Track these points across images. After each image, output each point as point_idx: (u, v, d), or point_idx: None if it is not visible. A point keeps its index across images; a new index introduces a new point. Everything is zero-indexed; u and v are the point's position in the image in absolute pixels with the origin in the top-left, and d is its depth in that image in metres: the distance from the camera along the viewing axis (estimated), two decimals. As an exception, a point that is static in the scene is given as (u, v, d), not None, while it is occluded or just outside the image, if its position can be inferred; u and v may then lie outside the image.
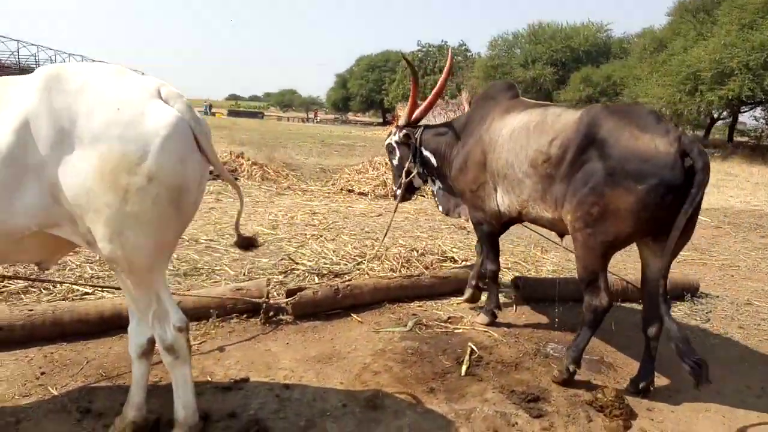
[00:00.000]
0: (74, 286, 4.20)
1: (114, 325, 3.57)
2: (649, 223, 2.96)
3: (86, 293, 4.14)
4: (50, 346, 3.34)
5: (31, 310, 3.38)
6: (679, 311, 4.66)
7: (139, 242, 2.19)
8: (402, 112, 4.77)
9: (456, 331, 4.02)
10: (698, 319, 4.55)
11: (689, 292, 4.88)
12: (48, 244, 2.28)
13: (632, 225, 2.95)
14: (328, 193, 9.74)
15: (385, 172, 10.21)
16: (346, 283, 4.22)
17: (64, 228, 2.20)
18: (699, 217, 3.16)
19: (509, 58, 41.66)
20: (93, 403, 2.81)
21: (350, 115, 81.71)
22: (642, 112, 3.08)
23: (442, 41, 63.37)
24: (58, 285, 4.17)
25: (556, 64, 39.26)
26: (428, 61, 60.27)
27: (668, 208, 2.85)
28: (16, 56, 36.08)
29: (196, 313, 3.78)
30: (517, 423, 2.92)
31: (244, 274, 4.86)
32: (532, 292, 4.58)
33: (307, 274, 4.90)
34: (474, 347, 3.68)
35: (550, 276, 5.37)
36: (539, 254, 6.33)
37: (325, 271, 4.96)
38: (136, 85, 2.23)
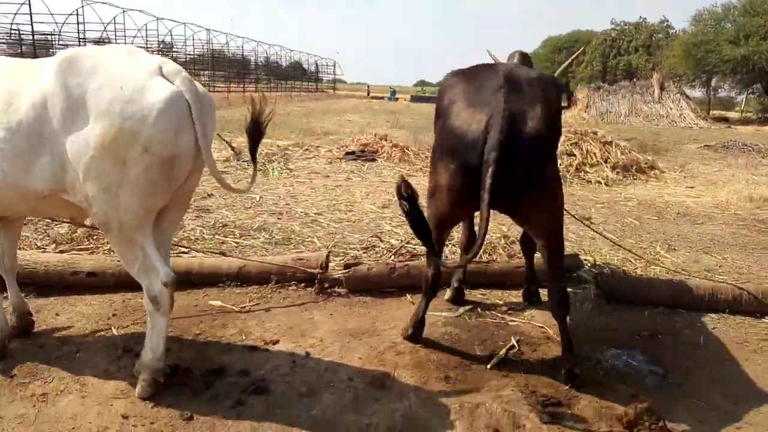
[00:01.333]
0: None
1: (185, 280, 4.00)
2: None
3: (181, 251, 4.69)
4: (131, 293, 3.86)
5: (119, 262, 3.94)
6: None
7: (130, 204, 2.44)
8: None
9: (510, 323, 3.78)
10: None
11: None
12: (69, 206, 2.64)
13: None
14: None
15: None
16: (405, 262, 4.19)
17: (70, 194, 2.54)
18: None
19: (716, 34, 36.43)
20: (137, 345, 3.21)
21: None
22: None
23: (640, 18, 57.95)
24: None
25: (776, 38, 33.41)
26: (622, 40, 55.58)
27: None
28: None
29: (258, 278, 4.07)
30: (524, 426, 2.69)
31: (327, 247, 5.07)
32: (614, 291, 4.08)
33: (385, 252, 4.96)
34: (515, 342, 3.44)
35: (646, 276, 4.72)
36: (662, 252, 5.59)
37: (403, 251, 4.96)
38: (139, 64, 2.48)
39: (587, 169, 9.57)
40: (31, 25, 23.25)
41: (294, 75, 54.38)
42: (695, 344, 3.57)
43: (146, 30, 31.97)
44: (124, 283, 3.89)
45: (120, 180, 2.39)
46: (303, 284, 4.12)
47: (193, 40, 37.59)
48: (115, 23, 28.60)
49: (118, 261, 3.92)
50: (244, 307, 3.81)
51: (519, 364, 3.24)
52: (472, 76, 3.06)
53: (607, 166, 9.63)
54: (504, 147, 2.61)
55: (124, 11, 28.67)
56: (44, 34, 26.28)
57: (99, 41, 29.37)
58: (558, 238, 3.03)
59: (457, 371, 3.13)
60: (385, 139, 11.74)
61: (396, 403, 2.81)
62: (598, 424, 2.70)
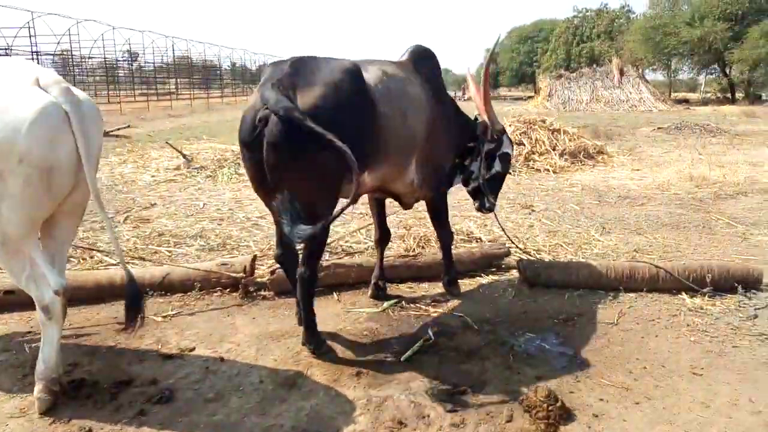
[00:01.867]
0: (106, 258, 4.73)
1: (108, 293, 3.96)
2: None
3: (112, 264, 4.64)
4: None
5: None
6: (722, 306, 3.91)
7: (12, 217, 2.41)
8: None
9: (433, 314, 3.82)
10: (740, 315, 3.78)
11: (745, 283, 4.06)
12: None
13: None
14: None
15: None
16: (331, 261, 4.21)
17: None
18: None
19: (673, 17, 37.16)
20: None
21: (502, 91, 79.35)
22: None
23: (602, 4, 58.83)
24: (94, 256, 4.75)
25: (731, 19, 34.22)
26: (585, 27, 56.30)
27: None
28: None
29: (182, 286, 4.05)
30: (428, 416, 2.72)
31: (262, 251, 5.06)
32: (534, 276, 4.16)
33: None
34: (432, 333, 3.48)
35: (564, 261, 4.81)
36: (596, 235, 5.70)
37: (339, 250, 4.98)
38: (13, 77, 2.44)
39: (536, 157, 9.71)
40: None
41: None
42: (609, 324, 3.66)
43: (103, 40, 31.41)
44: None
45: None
46: (228, 289, 4.11)
47: (153, 48, 37.11)
48: (69, 34, 28.05)
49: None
50: (166, 315, 3.79)
51: (433, 355, 3.28)
52: (269, 67, 3.12)
53: (555, 154, 9.78)
54: (252, 136, 2.82)
55: (78, 22, 28.11)
56: (-2, 48, 25.63)
57: (54, 54, 28.85)
58: (314, 217, 2.77)
59: (370, 366, 3.15)
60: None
61: (303, 402, 2.82)
62: (500, 409, 2.76)
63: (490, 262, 4.53)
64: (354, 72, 3.04)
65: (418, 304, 3.96)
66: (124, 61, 37.60)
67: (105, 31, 31.09)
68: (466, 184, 4.15)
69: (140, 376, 3.03)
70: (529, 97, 40.06)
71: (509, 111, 17.56)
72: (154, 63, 39.07)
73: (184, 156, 10.59)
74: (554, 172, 9.30)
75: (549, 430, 2.60)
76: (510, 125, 10.45)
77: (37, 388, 2.68)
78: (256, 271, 4.20)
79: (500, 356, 3.26)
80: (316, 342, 3.24)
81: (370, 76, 3.20)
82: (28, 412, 2.70)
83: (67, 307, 2.73)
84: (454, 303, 4.00)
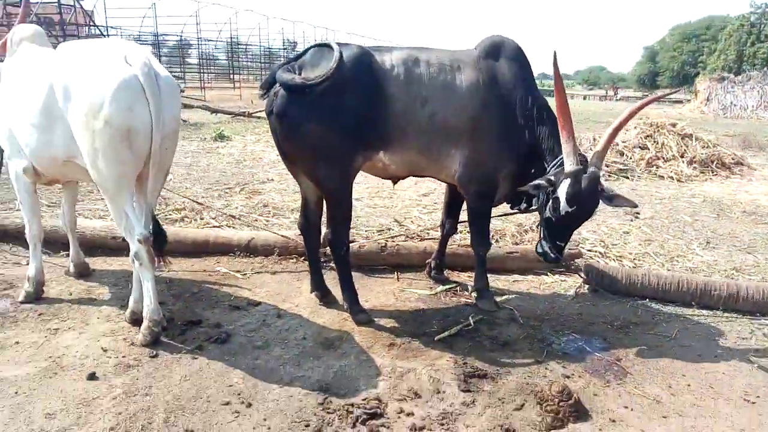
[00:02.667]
0: (212, 221, 5.38)
1: (203, 249, 4.55)
2: None
3: (216, 225, 5.27)
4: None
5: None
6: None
7: (105, 171, 2.95)
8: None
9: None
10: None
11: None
12: (85, 171, 3.16)
13: None
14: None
15: (590, 149, 9.41)
16: (396, 242, 4.43)
17: (79, 159, 3.08)
18: None
19: None
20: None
21: (660, 92, 73.11)
22: None
23: (788, -3, 51.80)
24: (204, 217, 5.43)
25: None
26: (764, 24, 50.13)
27: None
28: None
29: (264, 250, 4.52)
30: (443, 392, 2.87)
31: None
32: (598, 280, 4.04)
33: (399, 235, 5.21)
34: (473, 320, 3.58)
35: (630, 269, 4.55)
36: (698, 250, 5.31)
37: (413, 234, 5.18)
38: (107, 53, 2.97)
39: (660, 163, 9.07)
40: (156, 27, 25.77)
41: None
42: (665, 337, 3.49)
43: (259, 29, 34.12)
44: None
45: (94, 149, 2.90)
46: (303, 258, 4.51)
47: (304, 38, 39.53)
48: (230, 22, 30.90)
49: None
50: (245, 274, 4.28)
51: (468, 340, 3.39)
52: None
53: (683, 161, 9.06)
54: (269, 110, 3.31)
55: (236, 12, 30.89)
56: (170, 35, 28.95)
57: (216, 41, 31.92)
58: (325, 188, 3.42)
59: (405, 341, 3.35)
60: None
61: (334, 362, 3.10)
62: (513, 397, 2.82)
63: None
64: (359, 56, 3.25)
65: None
66: (283, 49, 40.48)
67: (261, 21, 33.78)
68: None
69: (208, 320, 3.50)
70: (686, 101, 36.71)
71: (656, 114, 16.29)
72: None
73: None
74: (678, 180, 8.63)
75: (555, 425, 2.63)
76: (635, 127, 9.84)
77: (144, 324, 3.18)
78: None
79: (534, 350, 3.29)
80: (351, 306, 3.57)
81: (388, 60, 3.34)
82: (116, 334, 3.27)
83: (154, 254, 3.22)
84: (509, 297, 4.04)
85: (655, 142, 9.44)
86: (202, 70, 29.60)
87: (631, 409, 2.78)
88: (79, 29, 20.18)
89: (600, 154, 3.32)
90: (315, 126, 3.16)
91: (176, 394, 2.72)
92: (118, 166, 2.95)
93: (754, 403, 2.87)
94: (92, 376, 2.83)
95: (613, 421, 2.69)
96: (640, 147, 9.42)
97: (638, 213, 6.60)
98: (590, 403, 2.81)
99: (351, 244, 4.41)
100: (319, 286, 3.83)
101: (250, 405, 2.67)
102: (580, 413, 2.70)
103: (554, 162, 3.41)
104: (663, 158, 9.17)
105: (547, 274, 4.43)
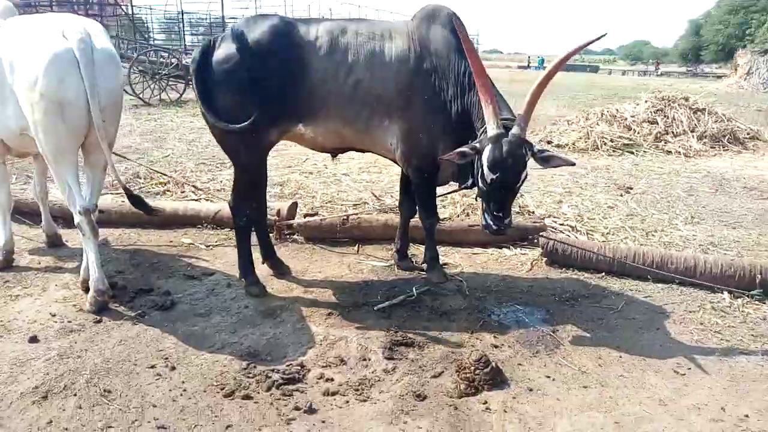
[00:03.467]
0: (191, 195, 5.50)
1: (173, 221, 4.67)
2: None
3: (195, 199, 5.39)
4: (126, 228, 4.63)
5: (122, 202, 4.70)
6: (761, 312, 3.44)
7: (44, 142, 3.06)
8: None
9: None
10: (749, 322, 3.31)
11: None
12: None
13: None
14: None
15: (596, 123, 9.19)
16: (357, 215, 4.46)
17: (30, 131, 3.18)
18: None
19: None
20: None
21: (704, 67, 70.06)
22: None
23: None
24: (186, 192, 5.55)
25: None
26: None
27: None
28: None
29: (231, 221, 4.59)
30: (369, 359, 2.91)
31: (326, 201, 5.49)
32: (553, 253, 3.99)
33: (374, 209, 5.23)
34: (416, 291, 3.59)
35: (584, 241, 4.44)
36: (680, 225, 5.17)
37: (385, 208, 5.19)
38: (46, 28, 3.06)
39: (668, 138, 8.80)
40: (180, 5, 26.04)
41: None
42: (611, 309, 3.45)
43: (285, 5, 34.11)
44: (126, 221, 4.69)
45: (34, 121, 3.01)
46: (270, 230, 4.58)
47: (331, 13, 39.38)
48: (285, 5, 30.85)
49: (120, 202, 4.69)
50: (209, 245, 4.38)
51: (408, 310, 3.41)
52: None
53: (693, 136, 8.76)
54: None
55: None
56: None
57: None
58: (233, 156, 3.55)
59: (344, 310, 3.40)
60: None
61: (270, 329, 3.18)
62: (434, 365, 2.85)
63: (524, 236, 4.42)
64: (274, 28, 3.25)
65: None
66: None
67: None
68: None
69: (159, 288, 3.62)
70: (724, 76, 35.20)
71: (693, 88, 15.62)
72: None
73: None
74: (686, 155, 8.36)
75: (468, 391, 2.65)
76: (646, 101, 9.54)
77: (90, 293, 3.31)
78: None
79: (470, 321, 3.30)
80: (244, 277, 3.68)
81: (313, 31, 3.31)
82: (68, 301, 3.41)
83: (95, 225, 3.33)
84: (463, 269, 4.03)
85: (665, 116, 9.15)
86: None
87: (553, 379, 2.78)
88: (103, 9, 20.51)
89: (524, 116, 3.04)
90: (223, 98, 3.22)
91: (106, 358, 2.84)
92: (55, 138, 3.06)
93: (683, 375, 2.83)
94: (34, 339, 2.97)
95: (530, 390, 2.69)
96: (649, 122, 9.14)
97: (630, 188, 6.45)
98: (512, 372, 2.82)
99: (314, 217, 4.49)
100: (268, 256, 3.90)
101: (173, 368, 2.76)
102: (498, 381, 2.71)
103: (481, 129, 3.18)
104: (672, 133, 8.89)
105: (508, 248, 4.40)
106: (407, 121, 3.38)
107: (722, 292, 3.65)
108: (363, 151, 3.74)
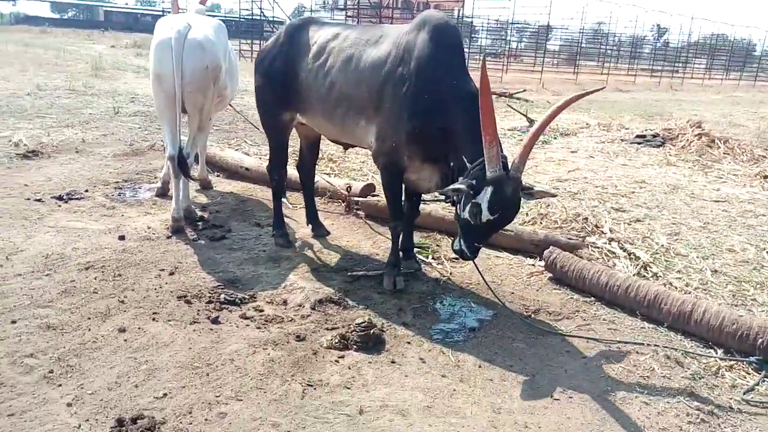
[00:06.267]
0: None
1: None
2: None
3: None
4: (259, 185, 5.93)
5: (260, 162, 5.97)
6: (731, 378, 2.85)
7: (155, 102, 4.43)
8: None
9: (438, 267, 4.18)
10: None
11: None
12: None
13: None
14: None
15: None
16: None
17: None
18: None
19: None
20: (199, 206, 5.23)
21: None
22: None
23: None
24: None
25: None
26: None
27: None
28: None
29: (322, 192, 5.50)
30: (303, 306, 3.48)
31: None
32: (552, 268, 3.82)
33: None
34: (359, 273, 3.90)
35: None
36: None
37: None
38: (168, 23, 4.35)
39: None
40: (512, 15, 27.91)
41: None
42: (560, 332, 3.29)
43: (635, 21, 33.73)
44: (261, 178, 5.95)
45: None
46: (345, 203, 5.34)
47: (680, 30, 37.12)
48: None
49: (262, 163, 5.97)
50: (296, 206, 5.34)
51: (371, 282, 3.84)
52: None
53: None
54: None
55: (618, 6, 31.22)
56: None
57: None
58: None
59: (329, 270, 4.02)
60: (699, 126, 10.24)
61: (262, 269, 3.98)
62: (338, 322, 3.28)
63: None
64: (294, 29, 4.08)
65: (445, 259, 4.32)
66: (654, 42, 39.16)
67: (638, 14, 33.43)
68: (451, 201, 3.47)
69: (228, 227, 4.72)
70: None
71: None
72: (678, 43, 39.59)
73: (529, 120, 11.56)
74: None
75: (336, 345, 3.02)
76: None
77: (171, 218, 4.62)
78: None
79: (410, 302, 3.59)
80: (274, 229, 4.52)
81: (315, 34, 3.97)
82: (164, 222, 4.74)
83: (181, 170, 4.53)
84: (468, 267, 4.15)
85: None
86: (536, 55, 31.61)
87: (423, 362, 2.97)
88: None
89: (522, 158, 3.06)
90: (258, 80, 4.19)
91: (143, 258, 4.00)
92: (157, 99, 4.42)
93: (557, 400, 2.70)
94: (122, 237, 4.34)
95: (393, 362, 2.95)
96: None
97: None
98: (395, 346, 3.09)
99: (371, 198, 5.08)
100: (310, 219, 4.67)
101: (171, 274, 3.79)
102: (369, 347, 3.04)
103: (475, 164, 3.11)
104: None
105: (532, 257, 4.30)
106: (380, 123, 3.53)
107: (715, 350, 3.11)
108: (350, 145, 4.23)
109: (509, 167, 3.07)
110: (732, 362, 3.00)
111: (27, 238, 4.18)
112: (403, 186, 3.79)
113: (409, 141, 3.42)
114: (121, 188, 5.65)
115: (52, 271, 3.70)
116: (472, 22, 32.94)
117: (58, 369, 2.67)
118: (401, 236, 4.01)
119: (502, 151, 3.08)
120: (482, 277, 3.55)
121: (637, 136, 10.38)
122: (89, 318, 3.15)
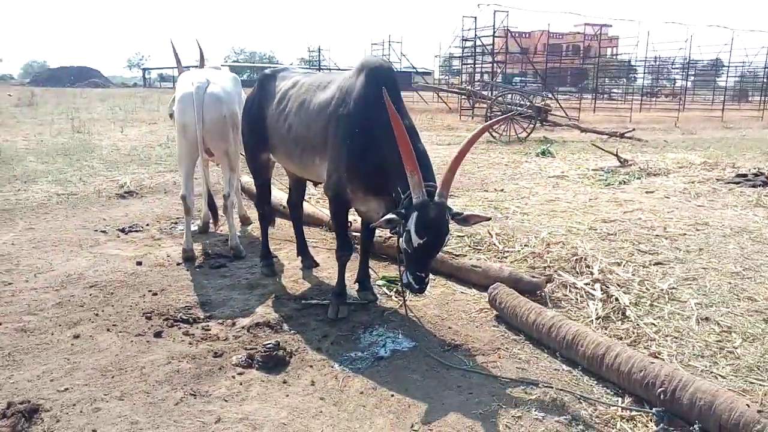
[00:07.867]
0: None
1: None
2: None
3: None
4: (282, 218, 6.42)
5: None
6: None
7: (177, 150, 5.10)
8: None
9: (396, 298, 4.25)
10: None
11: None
12: None
13: None
14: None
15: None
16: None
17: None
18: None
19: None
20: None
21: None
22: None
23: None
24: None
25: None
26: None
27: None
28: None
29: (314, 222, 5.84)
30: (245, 327, 3.78)
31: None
32: (494, 305, 3.69)
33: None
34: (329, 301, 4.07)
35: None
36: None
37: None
38: (189, 78, 5.03)
39: None
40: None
41: None
42: (462, 366, 3.21)
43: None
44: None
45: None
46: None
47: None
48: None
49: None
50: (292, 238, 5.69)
51: (318, 310, 4.02)
52: None
53: None
54: None
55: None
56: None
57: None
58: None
59: (292, 299, 4.28)
60: None
61: (235, 294, 4.36)
62: (265, 342, 3.51)
63: (516, 287, 4.09)
64: (266, 78, 4.55)
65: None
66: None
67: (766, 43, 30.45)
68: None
69: (229, 257, 5.21)
70: None
71: None
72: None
73: (620, 159, 10.92)
74: None
75: (242, 363, 3.25)
76: None
77: (182, 250, 5.25)
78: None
79: (341, 330, 3.73)
80: (260, 258, 4.92)
81: (281, 82, 4.38)
82: (170, 256, 5.34)
83: (190, 210, 5.16)
84: (419, 301, 4.16)
85: None
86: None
87: (312, 384, 3.10)
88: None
89: (445, 183, 3.22)
90: (242, 125, 4.78)
91: (143, 281, 4.59)
92: (180, 147, 5.08)
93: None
94: (139, 263, 5.02)
95: (284, 382, 3.12)
96: None
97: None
98: (298, 369, 3.25)
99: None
100: (300, 251, 4.99)
101: (155, 295, 4.32)
102: (270, 366, 3.25)
103: (407, 194, 3.27)
104: None
105: (466, 290, 4.20)
106: (328, 160, 3.80)
107: (623, 398, 2.83)
108: (314, 181, 4.57)
109: (434, 194, 3.21)
110: (635, 413, 2.71)
111: (65, 261, 5.00)
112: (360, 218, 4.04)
113: (350, 176, 3.66)
114: (176, 223, 6.44)
115: (63, 287, 4.41)
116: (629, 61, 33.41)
117: (3, 362, 3.24)
118: (358, 268, 4.20)
119: (433, 180, 3.32)
120: (406, 309, 3.60)
121: (737, 175, 9.37)
122: (60, 325, 3.74)
